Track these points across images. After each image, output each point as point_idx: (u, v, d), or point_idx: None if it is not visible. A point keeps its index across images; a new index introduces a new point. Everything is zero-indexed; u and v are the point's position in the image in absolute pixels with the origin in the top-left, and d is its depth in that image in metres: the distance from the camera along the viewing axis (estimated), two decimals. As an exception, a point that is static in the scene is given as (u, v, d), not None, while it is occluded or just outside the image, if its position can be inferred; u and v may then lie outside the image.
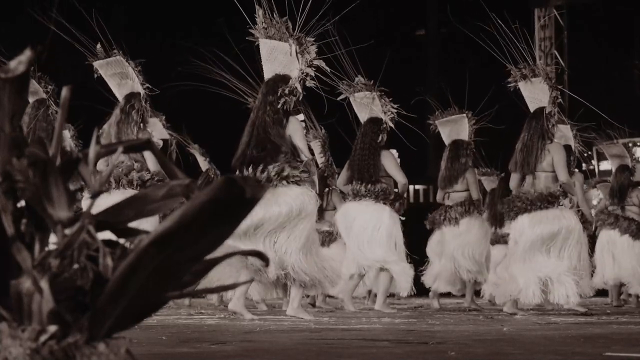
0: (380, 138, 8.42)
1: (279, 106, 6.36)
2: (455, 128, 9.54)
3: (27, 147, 1.55)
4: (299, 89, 6.41)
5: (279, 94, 6.37)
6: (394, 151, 9.05)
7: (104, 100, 7.60)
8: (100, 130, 7.31)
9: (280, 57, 6.46)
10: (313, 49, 6.42)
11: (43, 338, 1.47)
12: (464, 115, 9.52)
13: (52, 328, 1.47)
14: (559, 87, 7.72)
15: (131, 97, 7.38)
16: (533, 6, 20.01)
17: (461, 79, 10.02)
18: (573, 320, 6.43)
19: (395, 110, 8.32)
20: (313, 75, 6.45)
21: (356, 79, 8.28)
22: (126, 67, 7.44)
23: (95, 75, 7.50)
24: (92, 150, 1.59)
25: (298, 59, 6.41)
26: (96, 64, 7.48)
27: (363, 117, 8.53)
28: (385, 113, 8.34)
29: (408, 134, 8.49)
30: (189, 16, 17.15)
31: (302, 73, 6.40)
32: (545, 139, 7.58)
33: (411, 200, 18.78)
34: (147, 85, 7.45)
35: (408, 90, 9.41)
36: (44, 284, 1.48)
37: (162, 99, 9.37)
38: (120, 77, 7.47)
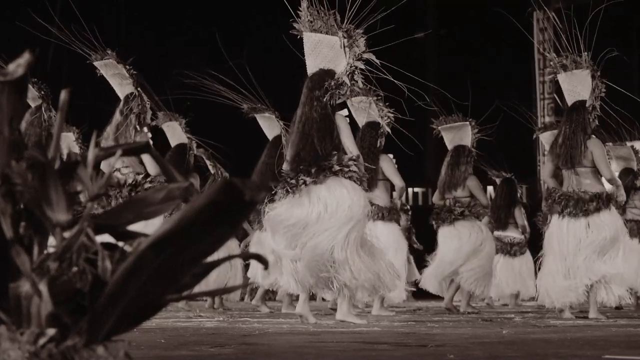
0: (378, 142, 8.40)
1: (325, 101, 6.21)
2: (458, 134, 9.51)
3: (26, 150, 1.55)
4: (347, 82, 6.25)
5: (325, 88, 6.24)
6: (390, 155, 9.02)
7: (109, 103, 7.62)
8: (104, 133, 7.31)
9: (325, 51, 6.29)
10: (362, 42, 6.24)
11: (42, 341, 1.47)
12: (467, 123, 9.49)
13: (51, 331, 1.47)
14: (604, 80, 7.38)
15: (129, 98, 7.38)
16: (533, 9, 20.07)
17: (461, 80, 10.02)
18: (572, 322, 6.44)
19: (393, 115, 8.27)
20: (364, 68, 6.31)
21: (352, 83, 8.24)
22: (121, 68, 7.45)
23: (98, 74, 7.52)
24: (91, 153, 1.59)
25: (345, 52, 6.25)
26: (96, 63, 7.49)
27: (360, 121, 8.51)
28: (382, 118, 8.31)
29: (405, 136, 8.48)
30: (182, 22, 17.23)
31: (351, 67, 6.25)
32: (587, 133, 7.27)
33: (410, 203, 18.77)
34: (139, 88, 7.45)
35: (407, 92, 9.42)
36: (43, 287, 1.48)
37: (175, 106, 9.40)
38: (121, 77, 7.48)
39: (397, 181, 8.54)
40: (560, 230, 7.30)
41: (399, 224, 8.97)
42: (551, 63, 7.69)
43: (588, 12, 7.51)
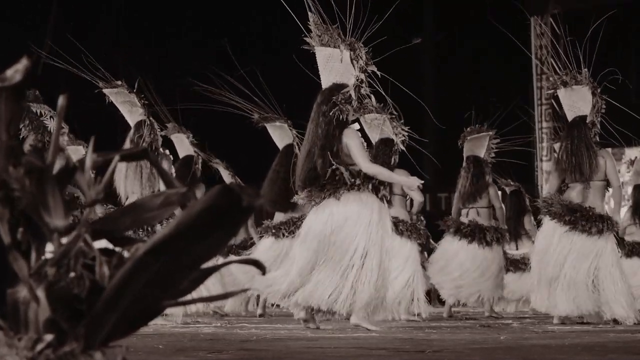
0: (392, 159, 8.36)
1: (331, 115, 6.16)
2: (474, 144, 9.51)
3: (24, 155, 1.55)
4: (354, 96, 6.21)
5: (332, 103, 6.18)
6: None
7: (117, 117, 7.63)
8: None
9: (337, 65, 6.25)
10: (365, 54, 6.20)
11: (39, 347, 1.47)
12: (489, 134, 9.50)
13: (49, 337, 1.47)
14: (603, 97, 7.38)
15: (139, 126, 7.40)
16: (531, 15, 20.09)
17: (459, 83, 10.03)
18: (569, 328, 6.43)
19: (407, 133, 8.18)
20: (365, 81, 6.24)
21: (365, 100, 8.17)
22: (132, 96, 7.46)
23: (107, 101, 7.51)
24: (89, 158, 1.59)
25: (353, 65, 6.20)
26: (106, 91, 7.48)
27: (374, 137, 8.46)
28: (397, 135, 8.24)
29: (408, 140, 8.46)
30: (192, 32, 17.21)
31: (357, 79, 6.20)
32: (593, 147, 7.28)
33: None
34: (151, 118, 7.47)
35: (405, 95, 9.42)
36: (41, 293, 1.48)
37: (183, 117, 9.42)
38: (131, 104, 7.49)
39: (417, 196, 8.62)
40: (555, 237, 7.27)
41: (416, 241, 8.87)
42: (550, 79, 7.70)
43: (585, 18, 7.54)
